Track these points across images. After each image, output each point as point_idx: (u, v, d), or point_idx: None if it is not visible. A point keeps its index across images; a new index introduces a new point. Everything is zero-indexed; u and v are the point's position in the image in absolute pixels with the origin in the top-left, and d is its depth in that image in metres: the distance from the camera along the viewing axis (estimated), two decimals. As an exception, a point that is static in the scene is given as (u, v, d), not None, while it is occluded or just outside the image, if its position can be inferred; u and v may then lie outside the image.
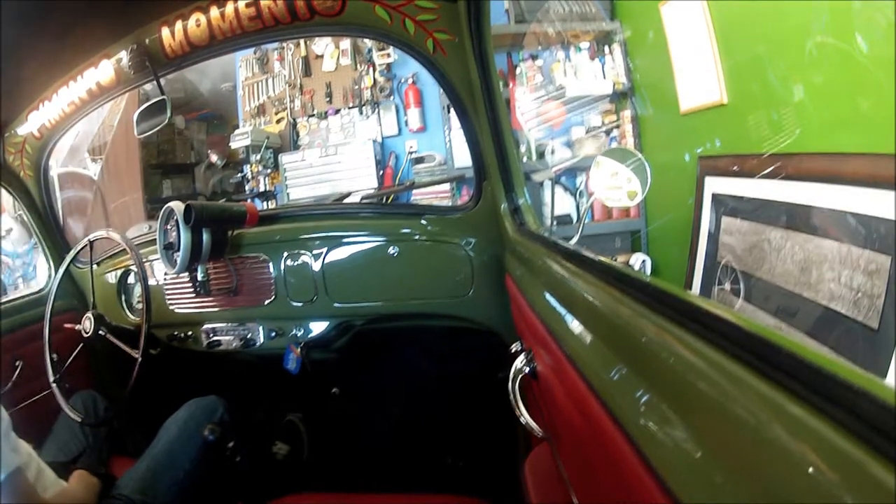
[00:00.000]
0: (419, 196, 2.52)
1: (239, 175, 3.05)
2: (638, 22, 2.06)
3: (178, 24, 1.26)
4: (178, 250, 1.30)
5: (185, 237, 1.27)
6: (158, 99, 1.34)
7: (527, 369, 0.78)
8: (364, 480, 1.43)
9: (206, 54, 1.32)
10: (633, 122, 2.15)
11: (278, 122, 2.80)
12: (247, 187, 2.88)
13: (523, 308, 0.88)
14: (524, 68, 2.26)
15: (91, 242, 1.45)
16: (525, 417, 0.76)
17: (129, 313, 1.62)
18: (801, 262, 1.19)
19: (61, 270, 1.53)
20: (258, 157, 2.73)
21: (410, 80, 2.57)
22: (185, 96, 3.33)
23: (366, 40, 2.56)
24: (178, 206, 1.30)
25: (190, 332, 1.50)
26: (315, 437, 1.60)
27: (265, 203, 2.78)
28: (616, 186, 1.02)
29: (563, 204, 2.25)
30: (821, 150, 1.15)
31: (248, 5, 1.19)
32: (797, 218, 1.20)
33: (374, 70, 2.58)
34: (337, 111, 2.69)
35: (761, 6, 1.30)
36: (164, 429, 1.21)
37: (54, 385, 1.36)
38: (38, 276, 2.34)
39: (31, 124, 1.56)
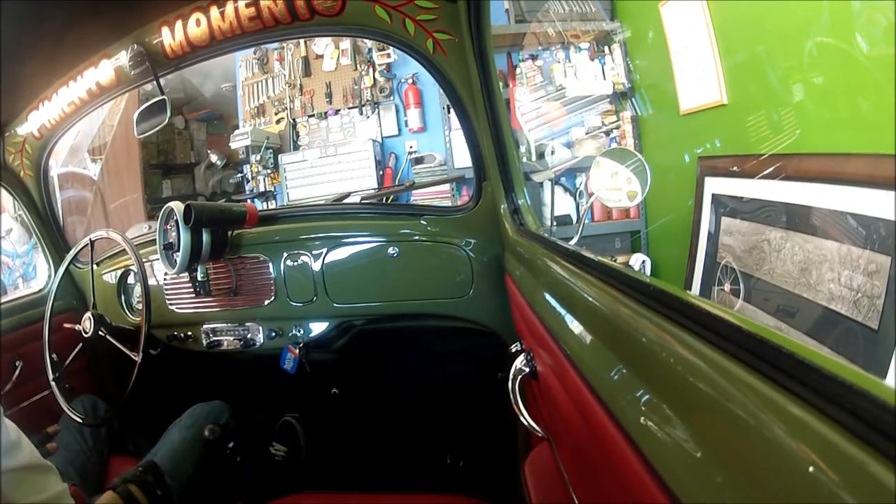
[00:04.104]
0: (419, 196, 2.52)
1: (239, 175, 3.05)
2: (638, 22, 2.06)
3: (178, 24, 1.26)
4: (178, 250, 1.30)
5: (184, 237, 1.27)
6: (158, 99, 1.34)
7: (527, 369, 0.78)
8: (364, 480, 1.43)
9: (206, 54, 1.32)
10: (632, 122, 2.15)
11: (278, 122, 2.80)
12: (247, 187, 2.88)
13: (523, 308, 0.88)
14: (524, 68, 2.27)
15: (92, 242, 1.45)
16: (525, 417, 0.76)
17: (129, 313, 1.62)
18: (801, 262, 1.19)
19: (61, 270, 1.53)
20: (258, 157, 2.73)
21: (410, 81, 2.57)
22: (185, 96, 3.33)
23: (366, 40, 2.56)
24: (177, 206, 1.30)
25: (190, 333, 1.50)
26: (315, 437, 1.60)
27: (265, 203, 2.78)
28: (616, 187, 1.02)
29: (563, 204, 2.25)
30: (821, 150, 1.15)
31: (248, 5, 1.19)
32: (797, 218, 1.20)
33: (374, 70, 2.58)
34: (337, 111, 2.69)
35: (761, 6, 1.30)
36: (168, 433, 1.20)
37: (54, 385, 1.36)
38: (38, 276, 2.34)
39: (31, 124, 1.56)
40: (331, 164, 2.55)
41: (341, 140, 2.66)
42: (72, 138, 2.61)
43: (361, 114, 2.64)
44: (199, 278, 1.38)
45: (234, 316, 1.45)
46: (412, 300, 1.34)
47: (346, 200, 1.64)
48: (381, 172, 2.57)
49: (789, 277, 1.22)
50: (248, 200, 2.73)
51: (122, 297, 1.64)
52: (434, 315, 1.34)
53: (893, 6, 0.93)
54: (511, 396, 0.77)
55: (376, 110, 2.62)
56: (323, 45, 2.69)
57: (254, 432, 1.52)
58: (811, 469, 0.23)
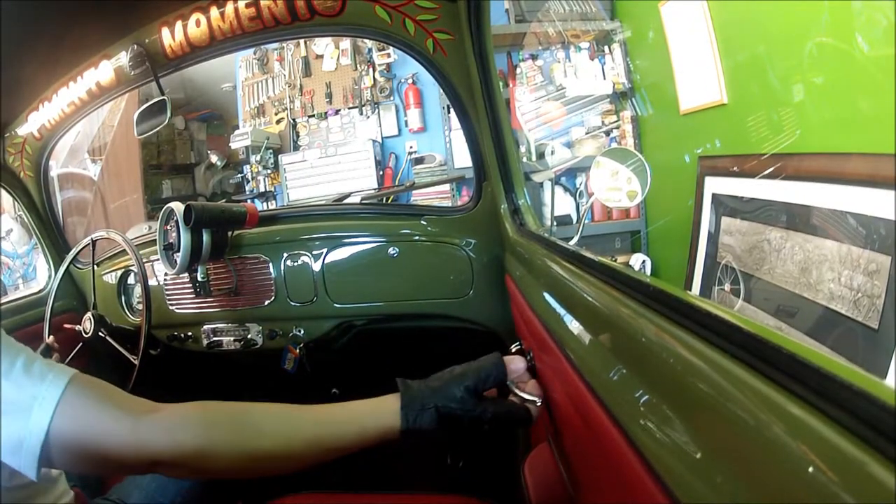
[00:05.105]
0: (419, 196, 2.52)
1: (239, 175, 3.05)
2: (638, 22, 2.06)
3: (178, 24, 1.26)
4: (178, 251, 1.30)
5: (184, 238, 1.27)
6: (158, 99, 1.34)
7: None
8: (363, 480, 1.43)
9: (206, 54, 1.32)
10: (632, 122, 2.15)
11: (278, 122, 2.80)
12: (247, 188, 2.88)
13: (523, 308, 0.88)
14: (524, 68, 2.27)
15: (93, 242, 1.45)
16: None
17: (129, 314, 1.62)
18: (801, 262, 1.19)
19: (61, 270, 1.53)
20: (258, 157, 2.73)
21: (410, 81, 2.57)
22: (185, 96, 3.33)
23: (366, 40, 2.56)
24: (178, 206, 1.30)
25: (190, 333, 1.50)
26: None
27: (265, 204, 2.78)
28: (616, 187, 1.02)
29: (563, 204, 2.25)
30: (821, 150, 1.15)
31: (248, 5, 1.19)
32: (797, 218, 1.20)
33: (374, 70, 2.58)
34: (337, 111, 2.69)
35: (761, 6, 1.30)
36: None
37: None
38: (38, 276, 2.34)
39: (31, 125, 1.56)
40: (331, 164, 2.55)
41: (341, 140, 2.66)
42: (72, 139, 2.61)
43: (361, 114, 2.64)
44: (199, 279, 1.38)
45: (235, 316, 1.45)
46: (412, 300, 1.34)
47: (346, 201, 1.64)
48: (381, 173, 2.57)
49: (789, 277, 1.22)
50: (249, 201, 2.74)
51: (123, 298, 1.64)
52: (434, 315, 1.34)
53: (893, 6, 0.93)
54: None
55: (376, 110, 2.62)
56: (323, 45, 2.69)
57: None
58: (811, 469, 0.23)
